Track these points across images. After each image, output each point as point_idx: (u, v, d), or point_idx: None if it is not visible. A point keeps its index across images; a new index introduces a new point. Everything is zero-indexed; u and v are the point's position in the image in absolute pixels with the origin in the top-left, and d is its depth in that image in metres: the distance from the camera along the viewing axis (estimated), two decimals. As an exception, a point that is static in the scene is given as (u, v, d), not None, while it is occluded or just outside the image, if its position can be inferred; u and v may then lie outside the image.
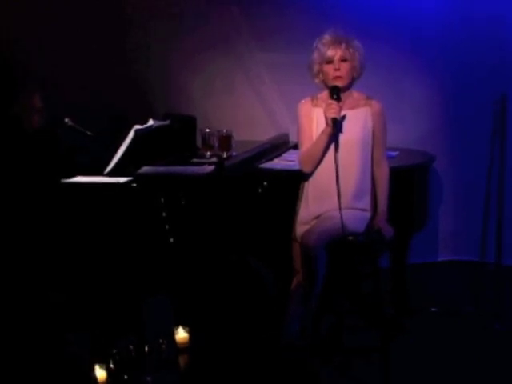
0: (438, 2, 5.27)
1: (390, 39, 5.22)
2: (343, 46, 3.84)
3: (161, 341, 3.73)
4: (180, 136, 4.45)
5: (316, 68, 3.91)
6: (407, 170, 4.36)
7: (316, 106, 3.93)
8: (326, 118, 3.82)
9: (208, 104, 5.41)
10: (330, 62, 3.86)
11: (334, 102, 3.82)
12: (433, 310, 4.71)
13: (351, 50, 3.85)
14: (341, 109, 3.82)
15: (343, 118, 3.85)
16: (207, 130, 4.44)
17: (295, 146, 4.36)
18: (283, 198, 4.10)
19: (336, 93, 3.84)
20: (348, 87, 3.90)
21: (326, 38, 3.88)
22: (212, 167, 4.01)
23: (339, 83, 3.86)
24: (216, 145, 4.41)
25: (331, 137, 3.81)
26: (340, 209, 3.69)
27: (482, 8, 5.21)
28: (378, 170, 3.98)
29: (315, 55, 3.89)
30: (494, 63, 5.19)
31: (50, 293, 3.78)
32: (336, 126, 3.79)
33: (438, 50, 5.25)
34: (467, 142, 5.33)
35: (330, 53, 3.85)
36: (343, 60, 3.84)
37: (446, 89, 5.32)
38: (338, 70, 3.84)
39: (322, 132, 3.86)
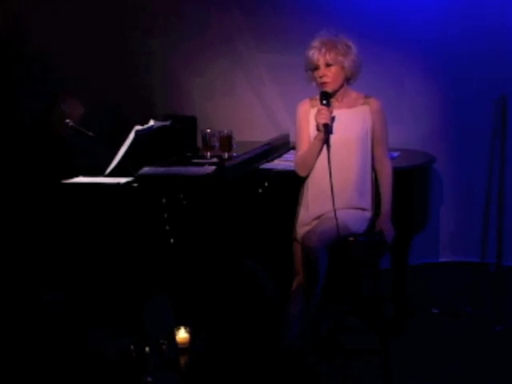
0: (439, 2, 5.27)
1: (390, 40, 5.23)
2: (323, 50, 3.82)
3: (161, 341, 3.73)
4: (181, 137, 4.46)
5: (308, 74, 3.93)
6: (408, 170, 4.35)
7: (314, 106, 3.93)
8: (317, 124, 3.84)
9: (209, 105, 5.42)
10: (316, 68, 3.87)
11: (323, 107, 3.83)
12: (433, 310, 4.71)
13: (334, 53, 3.83)
14: (331, 114, 3.83)
15: (333, 120, 3.84)
16: (208, 131, 4.44)
17: (295, 147, 4.36)
18: (284, 199, 4.10)
19: (325, 98, 3.85)
20: (339, 88, 3.90)
21: (312, 43, 3.88)
22: (213, 168, 4.01)
23: (327, 89, 3.87)
24: (217, 145, 4.42)
25: (324, 141, 3.82)
26: (334, 211, 3.69)
27: (483, 9, 5.22)
28: (380, 168, 3.98)
29: (305, 62, 3.91)
30: (494, 63, 5.19)
31: (48, 294, 3.78)
32: (327, 130, 3.80)
33: (438, 51, 5.26)
34: (467, 142, 5.34)
35: (313, 60, 3.86)
36: (328, 65, 3.85)
37: (446, 89, 5.33)
38: (323, 76, 3.85)
39: (315, 138, 3.87)
